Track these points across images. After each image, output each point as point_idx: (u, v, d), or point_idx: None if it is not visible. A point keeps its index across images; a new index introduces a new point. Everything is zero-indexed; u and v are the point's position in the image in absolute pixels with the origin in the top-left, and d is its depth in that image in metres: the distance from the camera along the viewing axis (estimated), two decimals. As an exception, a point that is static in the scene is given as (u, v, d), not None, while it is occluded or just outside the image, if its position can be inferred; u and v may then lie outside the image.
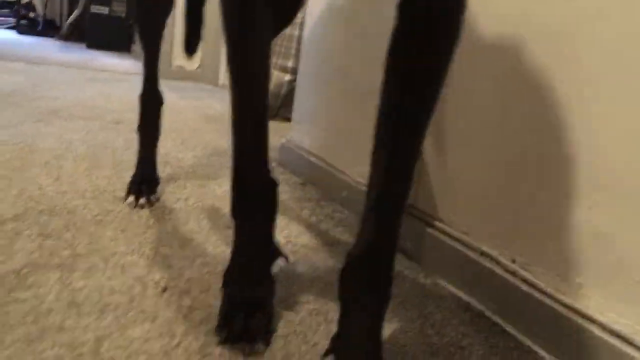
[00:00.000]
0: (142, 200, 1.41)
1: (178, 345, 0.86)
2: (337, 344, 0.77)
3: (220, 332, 0.86)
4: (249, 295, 0.90)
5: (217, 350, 0.86)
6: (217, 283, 1.03)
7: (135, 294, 0.99)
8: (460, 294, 1.17)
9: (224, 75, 4.24)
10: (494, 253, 1.13)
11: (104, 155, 1.81)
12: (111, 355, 0.81)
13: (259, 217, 0.93)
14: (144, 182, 1.44)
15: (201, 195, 1.56)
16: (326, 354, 0.78)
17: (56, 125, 2.12)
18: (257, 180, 0.91)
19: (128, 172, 1.52)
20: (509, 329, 1.06)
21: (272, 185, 0.95)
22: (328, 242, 1.38)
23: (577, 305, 0.95)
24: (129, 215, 1.35)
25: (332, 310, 1.03)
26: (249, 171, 0.90)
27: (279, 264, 0.98)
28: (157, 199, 1.46)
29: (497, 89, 1.14)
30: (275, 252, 0.98)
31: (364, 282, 0.76)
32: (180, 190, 1.58)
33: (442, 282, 1.22)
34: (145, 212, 1.39)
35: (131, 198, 1.41)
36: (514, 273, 1.08)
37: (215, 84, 4.18)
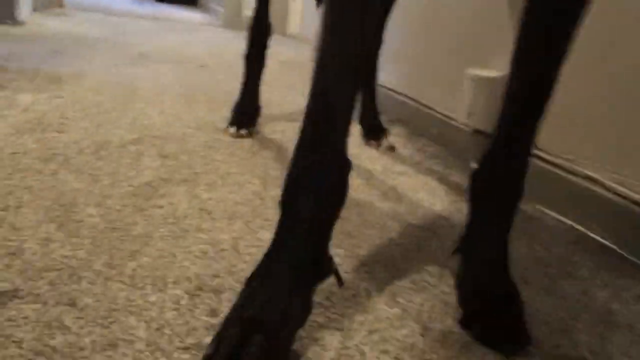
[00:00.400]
0: (243, 131, 1.48)
1: (305, 247, 0.92)
2: (465, 244, 0.81)
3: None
4: (264, 320, 0.62)
5: (340, 251, 0.92)
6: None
7: (256, 206, 1.05)
8: (563, 217, 1.19)
9: (292, 25, 4.27)
10: (599, 176, 1.14)
11: (197, 93, 1.88)
12: (249, 252, 0.88)
13: (318, 213, 0.67)
14: (246, 113, 1.51)
15: (296, 128, 1.62)
16: (454, 252, 0.83)
17: (148, 68, 2.21)
18: (330, 159, 0.68)
19: (222, 107, 1.59)
20: (616, 248, 1.07)
21: (346, 168, 0.70)
22: (423, 170, 1.41)
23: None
24: (233, 143, 1.42)
25: (441, 226, 1.07)
26: (321, 145, 0.68)
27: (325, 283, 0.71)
28: (257, 131, 1.53)
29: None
30: (327, 267, 0.70)
31: (497, 184, 0.79)
32: (275, 125, 1.64)
33: (543, 208, 1.24)
34: (247, 141, 1.45)
35: (233, 128, 1.48)
36: (621, 195, 1.09)
37: (283, 34, 4.21)
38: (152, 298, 0.72)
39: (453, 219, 1.13)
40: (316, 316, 0.73)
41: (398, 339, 0.72)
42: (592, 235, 1.12)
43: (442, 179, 1.37)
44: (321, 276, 0.70)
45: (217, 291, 0.76)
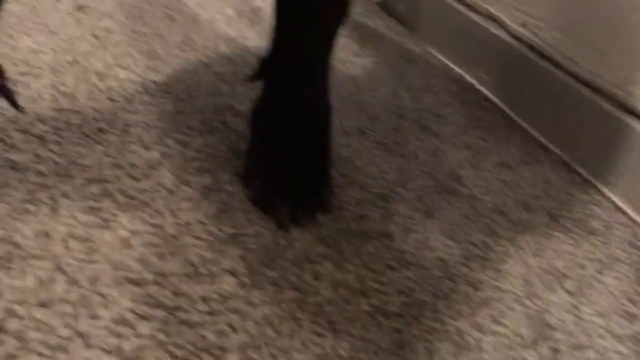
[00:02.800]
0: None
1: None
2: (266, 70, 0.59)
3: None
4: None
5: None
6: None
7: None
8: (452, 64, 0.98)
9: None
10: (501, 15, 0.91)
11: None
12: None
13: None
14: None
15: None
16: (252, 79, 0.60)
17: None
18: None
19: None
20: (503, 105, 0.88)
21: None
22: None
23: (595, 77, 0.76)
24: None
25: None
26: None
27: None
28: None
29: None
30: None
31: None
32: None
33: (434, 51, 1.02)
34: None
35: None
36: (519, 38, 0.87)
37: None
38: None
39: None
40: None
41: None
42: (478, 87, 0.92)
43: None
44: None
45: None
